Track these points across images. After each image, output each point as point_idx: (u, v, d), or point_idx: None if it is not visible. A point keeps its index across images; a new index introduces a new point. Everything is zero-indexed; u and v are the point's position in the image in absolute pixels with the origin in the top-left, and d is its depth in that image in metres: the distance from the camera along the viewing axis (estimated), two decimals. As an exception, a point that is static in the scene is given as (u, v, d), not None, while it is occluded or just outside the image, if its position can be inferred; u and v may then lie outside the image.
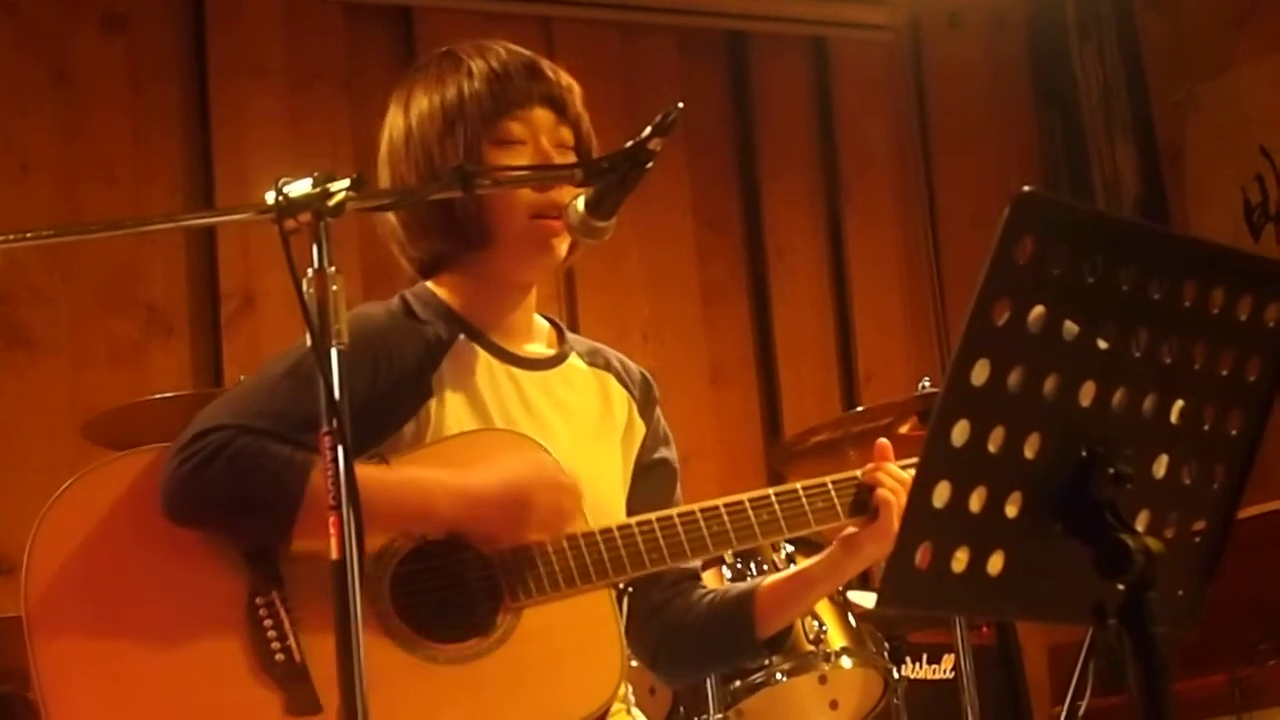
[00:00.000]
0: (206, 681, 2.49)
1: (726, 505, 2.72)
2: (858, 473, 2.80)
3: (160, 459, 2.56)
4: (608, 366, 2.93)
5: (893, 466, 2.78)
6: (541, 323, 2.92)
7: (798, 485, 2.77)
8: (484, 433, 2.70)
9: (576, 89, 2.83)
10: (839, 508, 2.77)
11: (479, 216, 2.72)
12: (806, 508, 2.76)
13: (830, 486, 2.78)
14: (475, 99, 2.75)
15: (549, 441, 2.67)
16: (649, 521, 2.68)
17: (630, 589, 2.85)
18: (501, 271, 2.79)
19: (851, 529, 2.78)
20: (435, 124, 2.75)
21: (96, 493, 2.56)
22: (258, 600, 2.53)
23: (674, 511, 2.70)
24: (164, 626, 2.51)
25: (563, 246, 2.77)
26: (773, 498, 2.75)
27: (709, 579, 3.87)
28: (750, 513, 2.73)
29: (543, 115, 2.78)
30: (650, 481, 2.91)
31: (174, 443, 2.55)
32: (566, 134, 2.80)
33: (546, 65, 2.82)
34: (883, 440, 2.84)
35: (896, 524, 2.66)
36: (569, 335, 2.93)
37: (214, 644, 2.51)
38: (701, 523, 2.70)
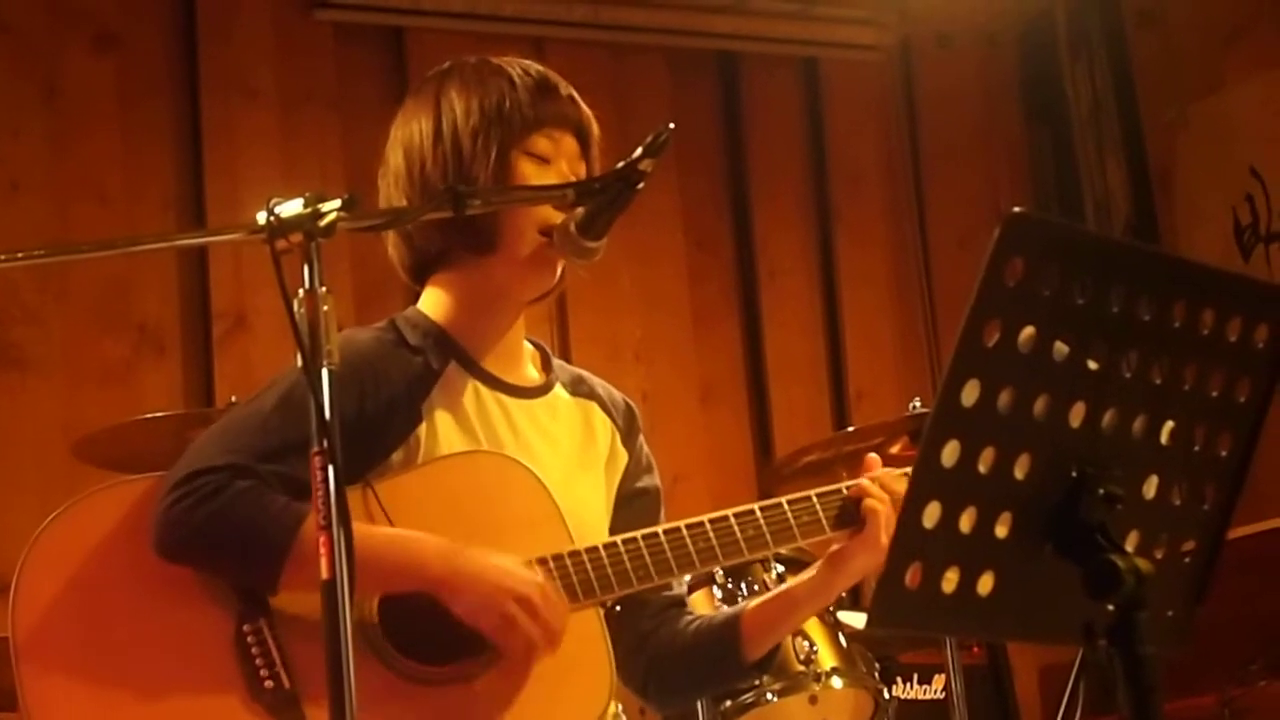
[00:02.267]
0: (196, 711, 2.49)
1: (711, 521, 2.72)
2: (843, 485, 2.79)
3: (151, 489, 2.55)
4: (592, 395, 2.93)
5: (881, 472, 2.78)
6: (528, 347, 2.91)
7: (782, 500, 2.76)
8: (472, 455, 2.69)
9: (598, 133, 2.84)
10: (824, 521, 2.76)
11: (491, 220, 2.72)
12: (792, 521, 2.75)
13: (815, 500, 2.77)
14: (516, 106, 2.75)
15: (536, 469, 2.67)
16: (635, 539, 2.67)
17: (618, 607, 2.85)
18: (498, 281, 2.78)
19: (837, 545, 2.78)
20: (471, 121, 2.74)
21: (87, 520, 2.56)
22: (246, 628, 2.52)
23: (660, 529, 2.69)
24: (152, 655, 2.50)
25: (560, 267, 2.77)
26: (757, 512, 2.74)
27: (699, 600, 3.89)
28: (735, 528, 2.72)
29: (571, 143, 2.79)
30: (634, 509, 2.90)
31: (168, 477, 2.54)
32: (583, 170, 2.80)
33: (580, 100, 2.83)
34: (872, 455, 2.84)
35: (884, 534, 2.66)
36: (555, 362, 2.93)
37: (203, 673, 2.50)
38: (687, 539, 2.69)
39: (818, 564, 2.81)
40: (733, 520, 2.72)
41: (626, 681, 2.94)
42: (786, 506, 2.75)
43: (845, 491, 2.78)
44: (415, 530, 2.57)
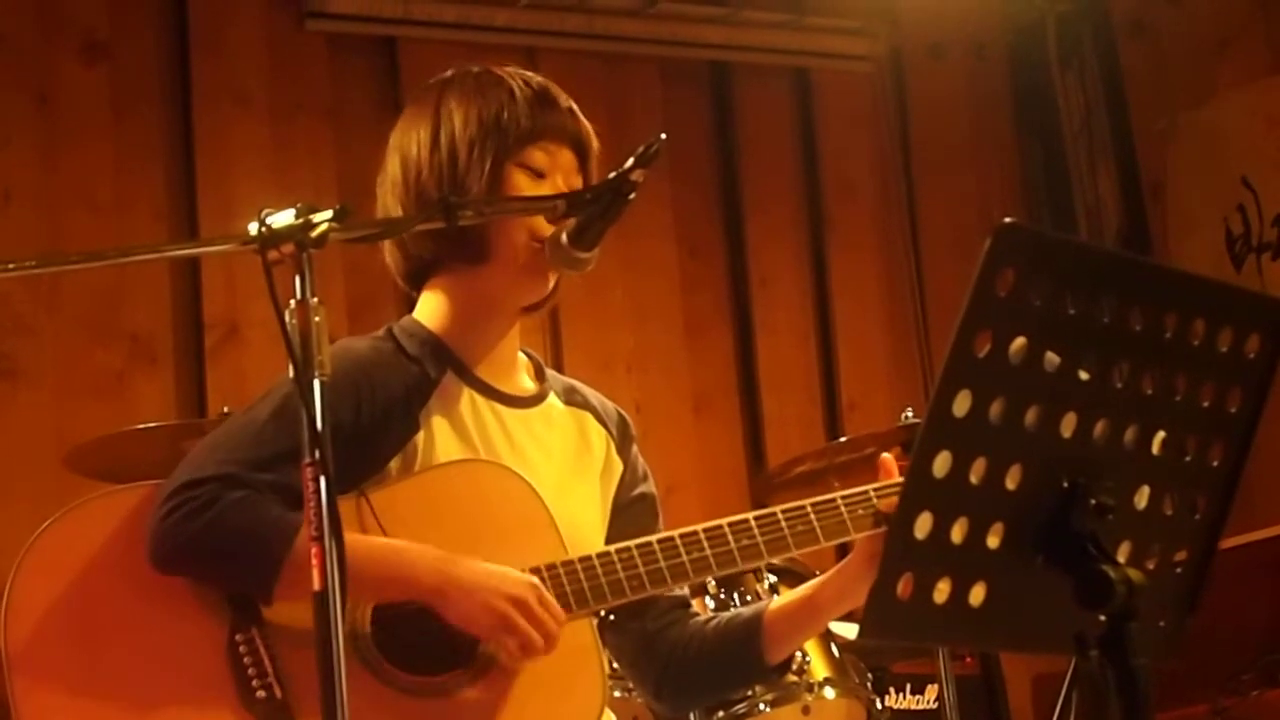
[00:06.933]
0: (189, 721, 2.48)
1: (705, 530, 2.72)
2: (836, 496, 2.78)
3: (144, 498, 2.55)
4: (585, 405, 2.93)
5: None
6: (522, 357, 2.92)
7: (777, 509, 2.76)
8: (466, 464, 2.69)
9: (597, 147, 2.84)
10: (819, 531, 2.76)
11: (483, 230, 2.72)
12: (786, 531, 2.75)
13: (810, 510, 2.77)
14: (514, 118, 2.75)
15: (532, 477, 2.67)
16: (628, 549, 2.67)
17: (611, 616, 2.85)
18: (492, 289, 2.78)
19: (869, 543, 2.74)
20: (468, 132, 2.75)
21: (79, 530, 2.55)
22: (238, 638, 2.52)
23: (654, 538, 2.69)
24: (145, 665, 2.50)
25: (553, 277, 2.77)
26: (752, 522, 2.74)
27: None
28: (730, 537, 2.72)
29: (568, 156, 2.80)
30: (631, 516, 2.90)
31: (162, 488, 2.54)
32: (579, 184, 2.80)
33: (580, 113, 2.83)
34: (887, 456, 2.83)
35: None
36: (548, 373, 2.93)
37: (195, 683, 2.50)
38: (681, 549, 2.69)
39: (843, 563, 2.78)
40: (727, 529, 2.72)
41: (638, 686, 2.95)
42: (781, 516, 2.75)
43: (872, 494, 2.76)
44: (408, 540, 2.57)
